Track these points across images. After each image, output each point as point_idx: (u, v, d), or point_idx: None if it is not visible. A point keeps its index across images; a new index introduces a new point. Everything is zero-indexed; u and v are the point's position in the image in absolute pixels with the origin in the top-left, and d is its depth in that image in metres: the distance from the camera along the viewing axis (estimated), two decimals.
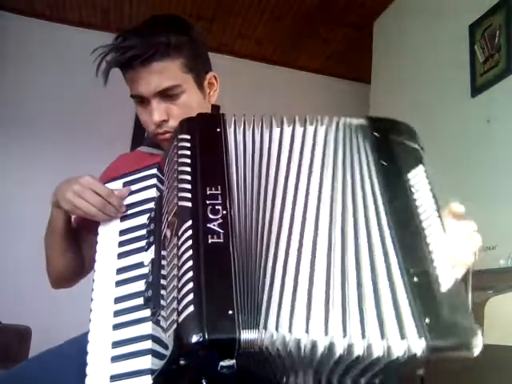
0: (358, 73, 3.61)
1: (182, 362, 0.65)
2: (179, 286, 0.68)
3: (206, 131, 0.86)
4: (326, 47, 3.63)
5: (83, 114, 3.41)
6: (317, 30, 3.43)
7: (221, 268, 0.69)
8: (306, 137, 0.86)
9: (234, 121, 0.88)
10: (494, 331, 1.32)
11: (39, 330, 2.61)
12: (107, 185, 0.95)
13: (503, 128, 1.97)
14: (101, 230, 0.93)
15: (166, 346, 0.69)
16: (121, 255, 0.88)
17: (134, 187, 0.94)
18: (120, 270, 0.86)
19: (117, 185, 0.96)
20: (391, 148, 0.85)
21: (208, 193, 0.76)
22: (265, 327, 0.66)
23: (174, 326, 0.65)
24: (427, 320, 0.65)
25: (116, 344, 0.78)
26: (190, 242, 0.71)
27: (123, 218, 0.92)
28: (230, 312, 0.65)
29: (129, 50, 1.02)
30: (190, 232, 0.72)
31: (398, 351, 0.64)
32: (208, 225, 0.72)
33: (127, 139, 3.45)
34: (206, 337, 0.62)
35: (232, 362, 0.64)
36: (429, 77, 2.54)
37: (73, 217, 1.09)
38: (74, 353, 0.88)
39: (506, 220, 1.84)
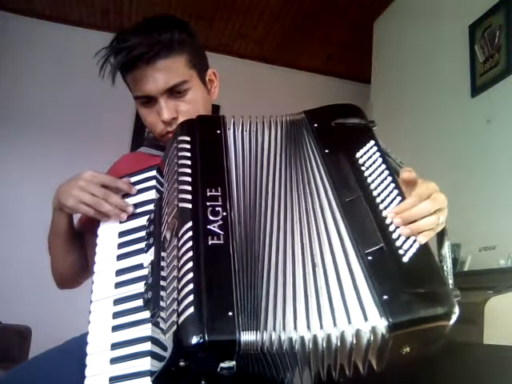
0: (358, 73, 3.61)
1: (181, 364, 0.65)
2: (179, 287, 0.68)
3: (206, 133, 0.87)
4: (326, 47, 3.63)
5: (83, 114, 3.41)
6: (317, 30, 3.42)
7: (221, 269, 0.69)
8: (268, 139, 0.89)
9: (234, 122, 0.89)
10: (494, 331, 1.32)
11: (39, 329, 2.61)
12: None
13: (503, 128, 1.97)
14: (100, 231, 0.92)
15: (165, 348, 0.69)
16: (120, 257, 0.87)
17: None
18: (119, 272, 0.86)
19: None
20: (334, 134, 0.86)
21: (208, 194, 0.76)
22: (274, 328, 0.66)
23: (174, 327, 0.65)
24: (385, 297, 0.64)
25: (115, 346, 0.77)
26: (190, 244, 0.71)
27: (123, 221, 0.92)
28: (230, 313, 0.65)
29: (134, 50, 1.01)
30: (190, 233, 0.72)
31: (366, 334, 0.64)
32: (208, 226, 0.73)
33: (127, 139, 3.45)
34: (206, 338, 0.62)
35: (232, 363, 0.64)
36: (429, 77, 2.54)
37: (75, 220, 1.09)
38: (75, 353, 0.88)
39: (506, 220, 1.84)
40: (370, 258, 0.69)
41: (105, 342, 0.78)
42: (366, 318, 0.65)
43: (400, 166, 0.82)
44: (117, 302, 0.82)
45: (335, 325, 0.65)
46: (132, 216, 0.92)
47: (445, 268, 0.77)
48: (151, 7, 3.22)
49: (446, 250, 0.79)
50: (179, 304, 0.66)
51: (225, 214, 0.74)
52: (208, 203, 0.75)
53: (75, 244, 1.10)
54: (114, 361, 0.76)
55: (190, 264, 0.69)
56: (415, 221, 0.71)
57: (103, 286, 0.85)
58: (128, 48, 1.01)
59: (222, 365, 0.64)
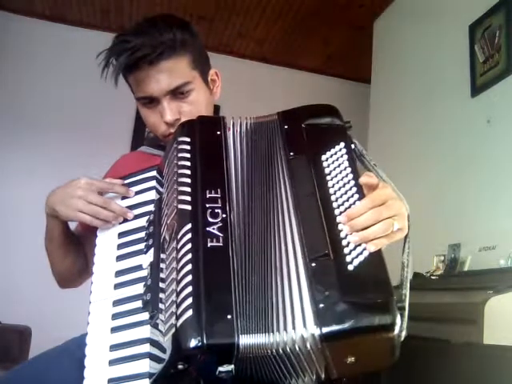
0: (358, 73, 3.60)
1: (180, 366, 0.65)
2: (178, 289, 0.68)
3: (206, 134, 0.86)
4: (326, 47, 3.62)
5: (83, 114, 3.41)
6: (317, 30, 3.42)
7: (220, 272, 0.69)
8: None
9: (233, 123, 0.88)
10: (494, 331, 1.32)
11: (39, 330, 2.61)
12: None
13: (503, 128, 1.97)
14: (99, 232, 0.92)
15: (164, 350, 0.69)
16: (119, 258, 0.87)
17: (133, 189, 0.94)
18: (119, 273, 0.85)
19: None
20: (303, 136, 0.83)
21: (208, 196, 0.76)
22: (278, 330, 0.66)
23: (173, 330, 0.65)
24: (321, 306, 0.64)
25: (114, 347, 0.77)
26: (189, 246, 0.71)
27: (122, 221, 0.92)
28: (229, 316, 0.65)
29: (136, 51, 0.99)
30: (189, 235, 0.72)
31: (307, 341, 0.64)
32: (207, 228, 0.72)
33: (127, 139, 3.45)
34: (205, 341, 0.62)
35: (230, 366, 0.64)
36: (429, 77, 2.53)
37: (76, 223, 1.08)
38: (75, 353, 0.88)
39: (506, 220, 1.84)
40: (313, 264, 0.69)
41: (104, 343, 0.78)
42: (305, 326, 0.65)
43: (374, 168, 0.81)
44: (116, 303, 0.82)
45: (285, 329, 0.66)
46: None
47: (401, 277, 0.75)
48: (152, 7, 3.22)
49: (406, 258, 0.76)
50: (178, 307, 0.66)
51: (224, 215, 0.74)
52: (207, 205, 0.75)
53: (72, 246, 1.09)
54: (112, 362, 0.76)
55: (189, 266, 0.69)
56: (366, 228, 0.70)
57: (102, 286, 0.85)
58: (131, 49, 0.99)
59: (221, 368, 0.64)
